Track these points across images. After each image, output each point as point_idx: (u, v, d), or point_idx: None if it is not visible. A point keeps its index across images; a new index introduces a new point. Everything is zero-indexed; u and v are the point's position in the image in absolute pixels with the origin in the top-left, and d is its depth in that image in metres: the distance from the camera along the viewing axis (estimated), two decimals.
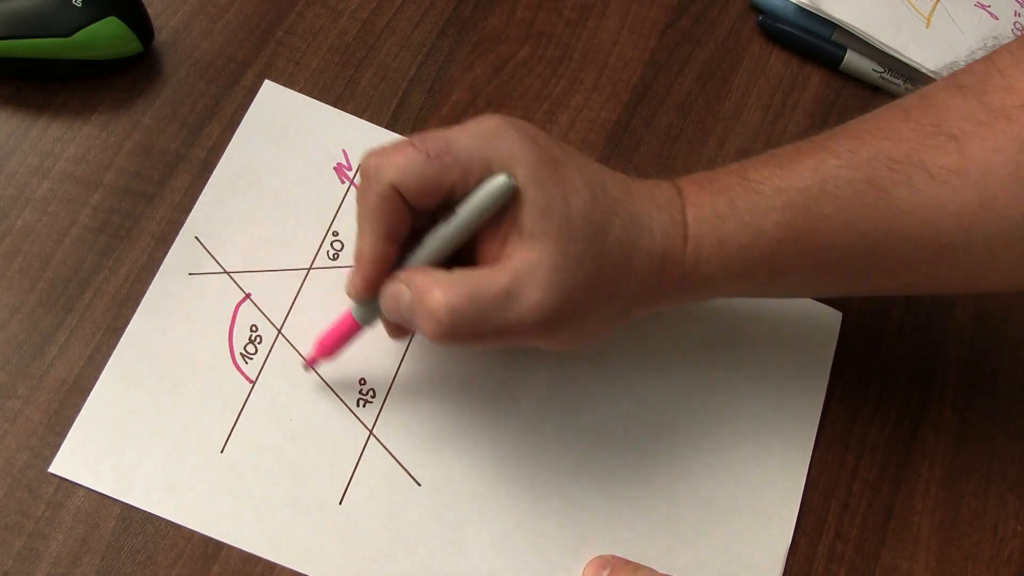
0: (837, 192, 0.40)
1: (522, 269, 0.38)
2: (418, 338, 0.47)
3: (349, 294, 0.41)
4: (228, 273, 0.47)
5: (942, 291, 0.46)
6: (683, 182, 0.42)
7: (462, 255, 0.41)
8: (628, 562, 0.44)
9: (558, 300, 0.38)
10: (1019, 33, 0.60)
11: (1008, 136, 0.38)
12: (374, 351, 0.47)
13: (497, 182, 0.38)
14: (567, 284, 0.38)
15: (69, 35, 0.47)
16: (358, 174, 0.41)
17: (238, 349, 0.46)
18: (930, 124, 0.40)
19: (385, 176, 0.38)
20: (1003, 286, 0.44)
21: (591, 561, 0.44)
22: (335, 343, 0.44)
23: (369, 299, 0.41)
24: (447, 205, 0.39)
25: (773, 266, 0.41)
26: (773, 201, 0.40)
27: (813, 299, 0.51)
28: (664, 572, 0.43)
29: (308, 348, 0.45)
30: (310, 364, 0.45)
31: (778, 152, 0.42)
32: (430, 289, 0.38)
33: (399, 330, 0.44)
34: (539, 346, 0.41)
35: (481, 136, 0.39)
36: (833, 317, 0.51)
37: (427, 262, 0.40)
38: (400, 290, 0.39)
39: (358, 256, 0.40)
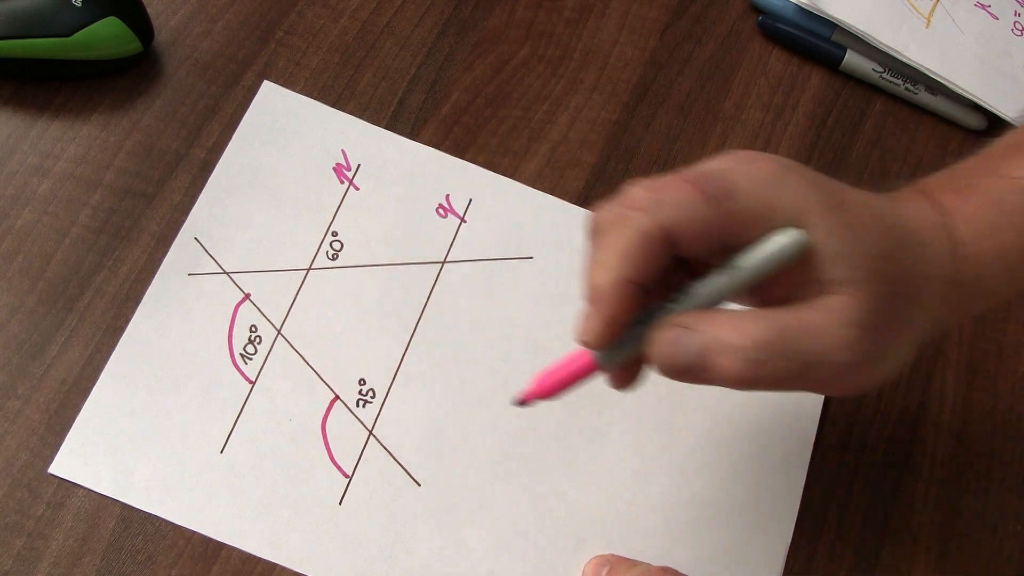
0: None
1: (829, 306, 0.34)
2: (418, 338, 0.47)
3: (584, 341, 0.35)
4: (228, 273, 0.47)
5: None
6: (937, 192, 0.39)
7: None
8: (626, 559, 0.44)
9: (866, 339, 0.34)
10: (1019, 33, 0.60)
11: None
12: (374, 351, 0.47)
13: (790, 238, 0.33)
14: (873, 323, 0.34)
15: (69, 35, 0.47)
16: (609, 207, 0.35)
17: (238, 349, 0.46)
18: None
19: (658, 212, 0.33)
20: None
21: (591, 560, 0.44)
22: (561, 385, 0.36)
23: (608, 347, 0.35)
24: (718, 253, 0.35)
25: None
26: None
27: None
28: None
29: (307, 348, 0.45)
30: (524, 401, 0.37)
31: (1018, 138, 0.39)
32: (727, 323, 0.34)
33: (627, 378, 0.38)
34: (832, 391, 0.38)
35: (764, 181, 0.34)
36: None
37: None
38: (680, 333, 0.34)
39: (596, 294, 0.34)
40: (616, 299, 0.34)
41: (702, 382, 0.35)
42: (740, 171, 0.35)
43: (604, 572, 0.43)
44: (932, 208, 0.38)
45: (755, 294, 0.36)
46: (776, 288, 0.35)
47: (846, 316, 0.34)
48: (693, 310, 0.35)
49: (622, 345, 0.35)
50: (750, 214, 0.34)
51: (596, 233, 0.35)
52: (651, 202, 0.34)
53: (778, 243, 0.34)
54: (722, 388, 0.48)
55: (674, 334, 0.34)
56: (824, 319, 0.34)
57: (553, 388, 0.36)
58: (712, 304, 0.35)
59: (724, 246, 0.34)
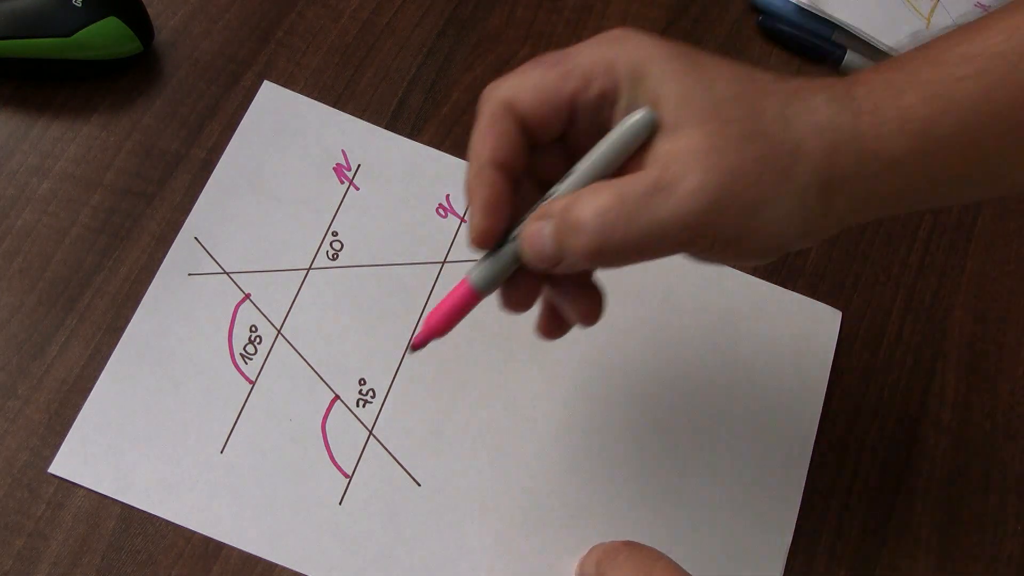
0: None
1: (671, 159, 0.32)
2: None
3: (472, 241, 0.35)
4: (228, 273, 0.47)
5: None
6: (851, 75, 0.36)
7: None
8: (600, 545, 0.44)
9: (719, 182, 0.32)
10: None
11: None
12: (374, 351, 0.47)
13: (639, 115, 0.33)
14: (726, 165, 0.32)
15: (69, 35, 0.47)
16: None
17: (238, 349, 0.46)
18: None
19: (499, 93, 0.34)
20: None
21: (584, 557, 0.44)
22: (449, 318, 0.37)
23: (491, 246, 0.35)
24: (572, 137, 0.35)
25: (971, 148, 0.34)
26: (963, 69, 0.34)
27: (814, 299, 0.51)
28: None
29: (307, 348, 0.45)
30: (417, 346, 0.37)
31: (956, 29, 0.35)
32: (574, 203, 0.33)
33: (521, 296, 0.37)
34: (704, 253, 0.35)
35: (603, 40, 0.34)
36: (833, 317, 0.51)
37: None
38: (541, 224, 0.34)
39: (469, 192, 0.35)
40: (481, 184, 0.34)
41: (570, 268, 0.35)
42: (589, 42, 0.35)
43: (591, 564, 0.43)
44: (832, 81, 0.35)
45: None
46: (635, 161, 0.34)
47: (690, 160, 0.32)
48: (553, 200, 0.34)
49: (498, 259, 0.35)
50: (587, 70, 0.34)
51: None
52: (494, 85, 0.35)
53: (630, 119, 0.33)
54: (723, 388, 0.48)
55: (536, 226, 0.34)
56: (669, 172, 0.32)
57: (443, 323, 0.37)
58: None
59: (570, 108, 0.34)
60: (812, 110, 0.34)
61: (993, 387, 0.51)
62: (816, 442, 0.48)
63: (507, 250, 0.35)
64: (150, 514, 0.43)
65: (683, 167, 0.32)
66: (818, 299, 0.51)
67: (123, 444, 0.44)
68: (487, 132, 0.34)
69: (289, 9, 0.54)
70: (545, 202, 0.34)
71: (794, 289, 0.51)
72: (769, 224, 0.34)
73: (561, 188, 0.34)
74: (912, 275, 0.53)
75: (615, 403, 0.48)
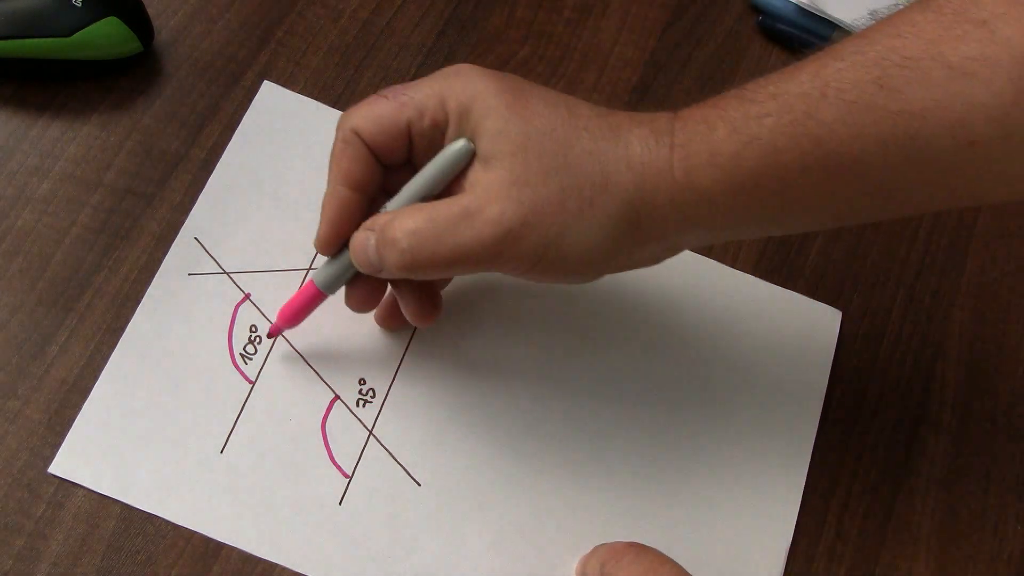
0: (840, 96, 0.35)
1: (481, 188, 0.37)
2: (418, 338, 0.47)
3: (315, 246, 0.41)
4: (227, 273, 0.47)
5: (976, 202, 0.41)
6: (676, 111, 0.39)
7: None
8: (603, 545, 0.44)
9: (519, 212, 0.36)
10: None
11: None
12: (374, 351, 0.47)
13: (456, 146, 0.38)
14: (527, 196, 0.36)
15: (69, 35, 0.47)
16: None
17: (238, 349, 0.46)
18: (952, 12, 0.34)
19: (347, 122, 0.40)
20: None
21: (586, 557, 0.44)
22: (297, 312, 0.44)
23: (333, 253, 0.41)
24: (416, 160, 0.40)
25: (775, 179, 0.37)
26: (767, 107, 0.36)
27: (810, 300, 0.51)
28: None
29: (307, 348, 0.45)
30: (273, 333, 0.45)
31: (781, 69, 0.38)
32: (392, 221, 0.38)
33: (362, 297, 0.43)
34: (512, 271, 0.39)
35: (440, 76, 0.39)
36: (833, 317, 0.51)
37: None
38: (366, 236, 0.39)
39: (323, 206, 0.40)
40: (330, 203, 0.40)
41: (390, 276, 0.40)
42: (429, 78, 0.39)
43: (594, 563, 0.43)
44: (656, 115, 0.39)
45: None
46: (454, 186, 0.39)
47: (497, 193, 0.36)
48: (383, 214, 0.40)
49: (339, 263, 0.41)
50: (421, 104, 0.38)
51: None
52: (347, 115, 0.40)
53: (448, 149, 0.38)
54: (723, 388, 0.49)
55: (362, 236, 0.39)
56: (475, 201, 0.37)
57: (292, 315, 0.44)
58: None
59: (408, 135, 0.39)
60: (626, 144, 0.37)
61: (993, 387, 0.51)
62: (816, 442, 0.48)
63: (346, 256, 0.41)
64: (150, 514, 0.43)
65: (489, 196, 0.37)
66: (818, 299, 0.51)
67: (123, 444, 0.44)
68: (340, 155, 0.40)
69: (289, 9, 0.54)
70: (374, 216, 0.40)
71: (794, 289, 0.51)
72: (574, 249, 0.37)
73: (390, 205, 0.40)
74: (912, 275, 0.53)
75: (615, 403, 0.48)
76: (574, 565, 0.44)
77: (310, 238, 0.48)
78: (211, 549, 0.43)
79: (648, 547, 0.42)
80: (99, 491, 0.43)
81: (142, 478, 0.43)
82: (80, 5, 0.47)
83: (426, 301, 0.43)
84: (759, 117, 0.36)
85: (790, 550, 0.46)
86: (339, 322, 0.47)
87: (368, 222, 0.40)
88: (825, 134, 0.36)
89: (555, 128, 0.37)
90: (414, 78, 0.53)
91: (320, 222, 0.41)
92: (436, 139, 0.39)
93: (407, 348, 0.47)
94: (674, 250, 0.41)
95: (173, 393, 0.45)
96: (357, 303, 0.43)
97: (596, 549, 0.43)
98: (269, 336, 0.46)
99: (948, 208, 0.43)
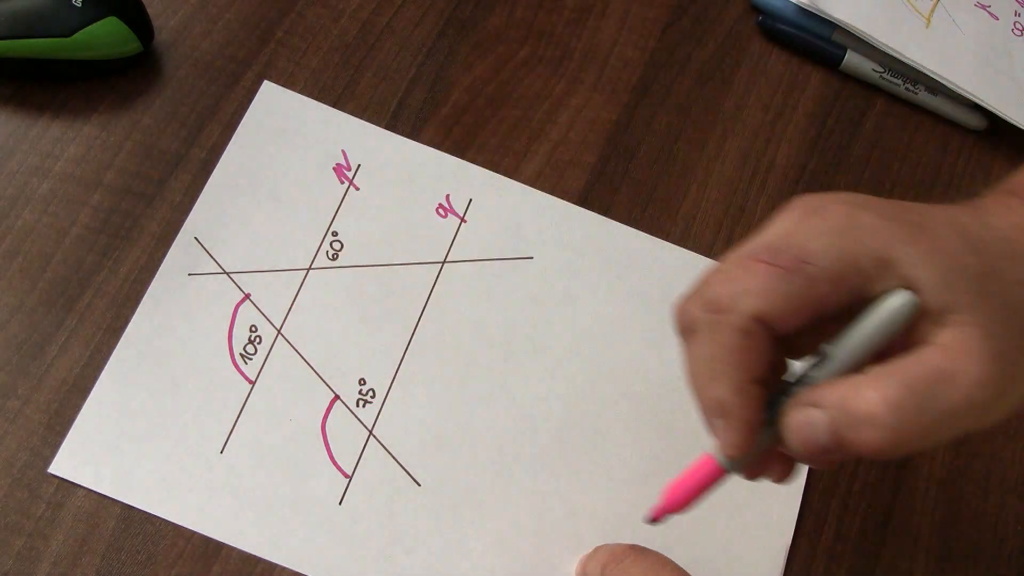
0: None
1: (949, 344, 0.32)
2: (418, 338, 0.47)
3: (729, 454, 0.34)
4: (228, 273, 0.47)
5: None
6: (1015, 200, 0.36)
7: None
8: (603, 546, 0.44)
9: (999, 369, 0.31)
10: (1019, 33, 0.60)
11: None
12: (374, 351, 0.47)
13: (901, 299, 0.32)
14: (1002, 350, 0.32)
15: (69, 35, 0.47)
16: (695, 309, 0.34)
17: (238, 349, 0.46)
18: None
19: (744, 306, 0.32)
20: None
21: (587, 558, 0.44)
22: (692, 495, 0.36)
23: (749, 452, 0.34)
24: (817, 325, 0.33)
25: None
26: None
27: None
28: None
29: (307, 348, 0.45)
30: (656, 519, 0.37)
31: None
32: (853, 395, 0.31)
33: (768, 467, 0.36)
34: (978, 427, 0.34)
35: (836, 232, 0.33)
36: None
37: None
38: (810, 415, 0.32)
39: (722, 408, 0.33)
40: (744, 405, 0.33)
41: (846, 458, 0.33)
42: (808, 229, 0.33)
43: (592, 563, 0.43)
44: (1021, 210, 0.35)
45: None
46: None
47: (971, 349, 0.31)
48: (816, 386, 0.33)
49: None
50: (834, 273, 0.32)
51: (688, 334, 0.34)
52: (734, 297, 0.33)
53: (890, 307, 0.32)
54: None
55: (805, 417, 0.32)
56: (950, 361, 0.31)
57: (685, 500, 0.36)
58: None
59: (820, 312, 0.33)
60: None
61: None
62: None
63: (762, 435, 0.34)
64: (150, 514, 0.43)
65: (962, 354, 0.31)
66: None
67: (123, 444, 0.44)
68: (742, 349, 0.33)
69: (289, 9, 0.54)
70: (806, 388, 0.33)
71: None
72: (1021, 394, 0.33)
73: (821, 374, 0.33)
74: None
75: (615, 403, 0.48)
76: (574, 565, 0.44)
77: (310, 238, 0.48)
78: (211, 549, 0.43)
79: (649, 549, 0.42)
80: (99, 491, 0.43)
81: (142, 478, 0.43)
82: (80, 5, 0.47)
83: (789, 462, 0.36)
84: None
85: (790, 550, 0.46)
86: (339, 322, 0.47)
87: (807, 397, 0.33)
88: None
89: (987, 263, 0.33)
90: (414, 78, 0.53)
91: (728, 428, 0.33)
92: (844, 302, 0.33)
93: (407, 348, 0.47)
94: None
95: (173, 393, 0.45)
96: (766, 474, 0.36)
97: (596, 550, 0.44)
98: (651, 522, 0.37)
99: None
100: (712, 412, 0.34)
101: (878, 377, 0.31)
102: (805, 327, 0.33)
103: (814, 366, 0.33)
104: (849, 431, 0.31)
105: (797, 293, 0.32)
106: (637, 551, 0.42)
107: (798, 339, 0.34)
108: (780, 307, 0.32)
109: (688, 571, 0.40)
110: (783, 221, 0.33)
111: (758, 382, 0.33)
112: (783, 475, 0.36)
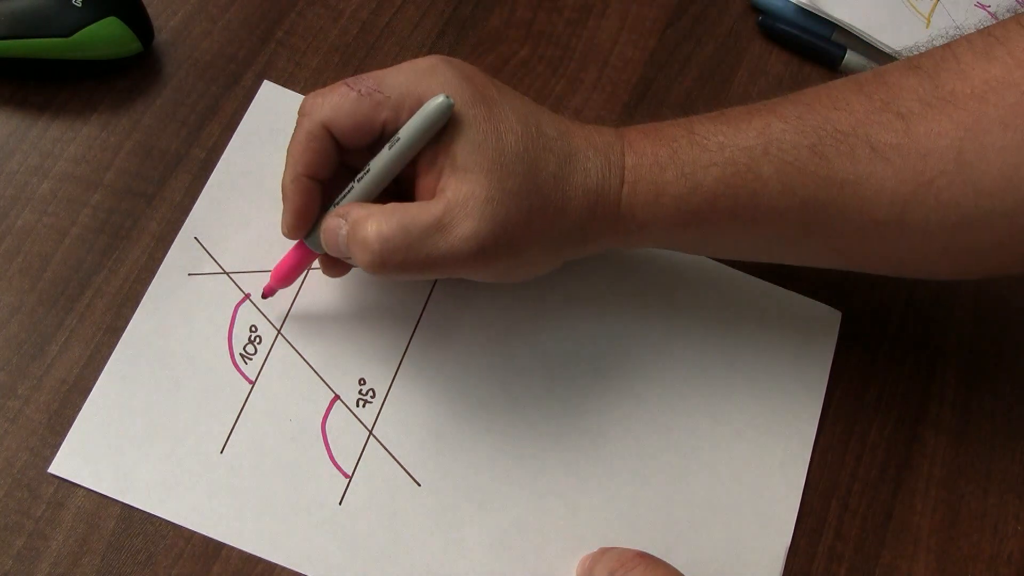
0: (780, 155, 0.40)
1: (455, 201, 0.39)
2: (418, 338, 0.47)
3: (283, 232, 0.43)
4: (228, 273, 0.47)
5: (875, 270, 0.45)
6: (627, 130, 0.43)
7: (403, 194, 0.42)
8: (608, 549, 0.44)
9: (491, 231, 0.39)
10: None
11: (953, 121, 0.38)
12: (374, 351, 0.47)
13: (436, 102, 0.38)
14: (500, 216, 0.39)
15: (69, 35, 0.47)
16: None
17: (238, 349, 0.46)
18: (880, 100, 0.40)
19: (317, 114, 0.40)
20: (933, 273, 0.45)
21: (592, 560, 0.44)
22: (288, 271, 0.44)
23: (302, 237, 0.43)
24: (379, 144, 0.40)
25: (707, 221, 0.42)
26: (715, 156, 0.41)
27: (811, 298, 0.51)
28: None
29: (307, 348, 0.45)
30: (267, 294, 0.46)
31: (728, 111, 0.43)
32: (364, 220, 0.39)
33: (336, 267, 0.44)
34: (472, 278, 0.42)
35: (414, 73, 0.40)
36: (833, 317, 0.51)
37: (368, 192, 0.41)
38: (338, 223, 0.40)
39: (283, 191, 0.42)
40: (295, 192, 0.41)
41: (355, 266, 0.42)
42: (397, 68, 0.40)
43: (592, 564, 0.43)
44: (611, 136, 0.42)
45: (420, 185, 0.40)
46: (430, 179, 0.40)
47: (470, 206, 0.38)
48: (362, 195, 0.41)
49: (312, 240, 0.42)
50: (398, 103, 0.39)
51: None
52: (314, 105, 0.40)
53: (427, 108, 0.39)
54: (722, 388, 0.49)
55: (334, 224, 0.41)
56: (449, 214, 0.38)
57: (284, 275, 0.45)
58: (384, 179, 0.41)
59: (383, 138, 0.40)
60: (584, 172, 0.41)
61: (993, 387, 0.51)
62: (816, 442, 0.48)
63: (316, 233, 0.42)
64: (150, 514, 0.43)
65: (463, 211, 0.38)
66: (818, 299, 0.51)
67: (123, 444, 0.44)
68: (305, 147, 0.41)
69: (289, 9, 0.54)
70: (344, 201, 0.41)
71: (794, 289, 0.51)
72: (534, 262, 0.42)
73: (362, 188, 0.41)
74: None
75: (615, 403, 0.48)
76: (574, 565, 0.44)
77: None
78: (211, 549, 0.43)
79: (658, 559, 0.42)
80: (99, 491, 0.43)
81: (142, 478, 0.43)
82: (80, 5, 0.47)
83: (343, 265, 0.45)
84: (706, 166, 0.41)
85: (790, 550, 0.46)
86: (339, 322, 0.47)
87: (342, 209, 0.41)
88: (760, 188, 0.41)
89: (527, 149, 0.40)
90: None
91: (284, 211, 0.42)
92: None
93: (407, 348, 0.47)
94: (603, 252, 0.45)
95: (173, 393, 0.45)
96: (333, 271, 0.45)
97: (604, 554, 0.43)
98: (263, 297, 0.46)
99: (849, 270, 0.46)
100: (282, 194, 0.42)
101: (385, 212, 0.39)
102: (366, 145, 0.41)
103: (359, 178, 0.41)
104: (352, 247, 0.40)
105: (363, 112, 0.40)
106: (647, 559, 0.42)
107: (365, 155, 0.41)
108: (344, 121, 0.40)
109: (689, 571, 0.40)
110: (403, 64, 0.41)
111: (314, 179, 0.41)
112: (338, 273, 0.45)
